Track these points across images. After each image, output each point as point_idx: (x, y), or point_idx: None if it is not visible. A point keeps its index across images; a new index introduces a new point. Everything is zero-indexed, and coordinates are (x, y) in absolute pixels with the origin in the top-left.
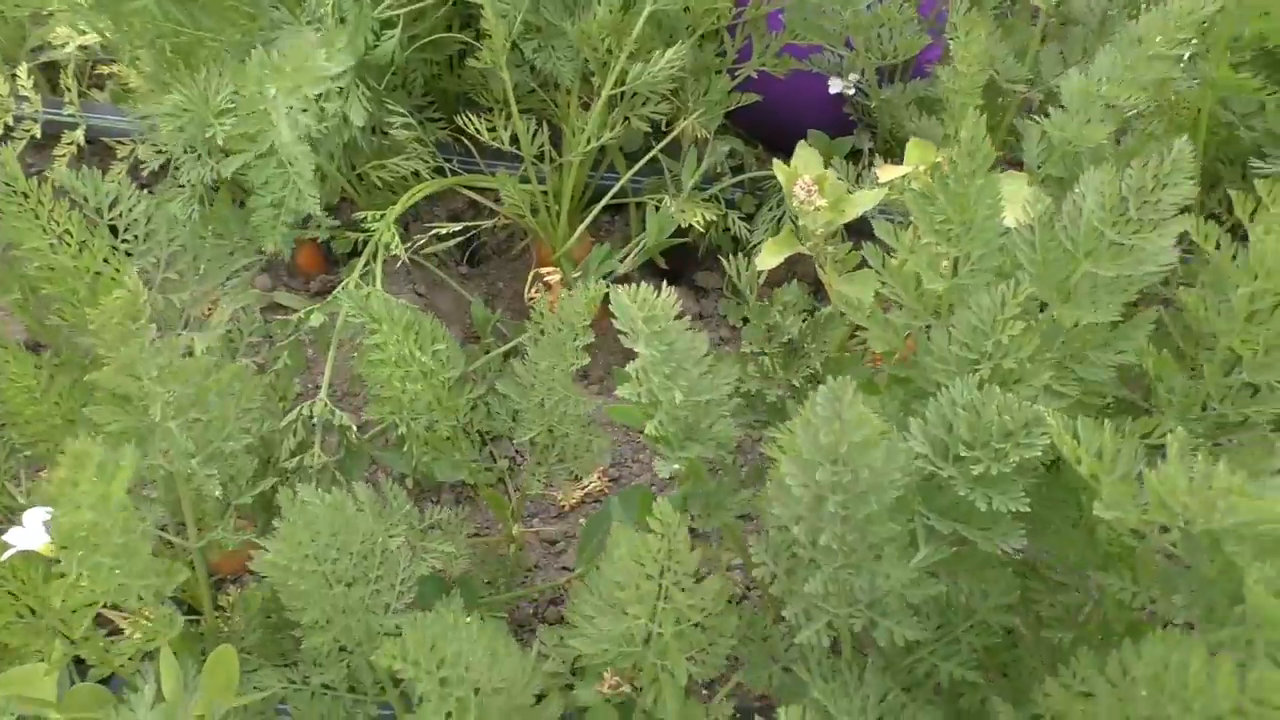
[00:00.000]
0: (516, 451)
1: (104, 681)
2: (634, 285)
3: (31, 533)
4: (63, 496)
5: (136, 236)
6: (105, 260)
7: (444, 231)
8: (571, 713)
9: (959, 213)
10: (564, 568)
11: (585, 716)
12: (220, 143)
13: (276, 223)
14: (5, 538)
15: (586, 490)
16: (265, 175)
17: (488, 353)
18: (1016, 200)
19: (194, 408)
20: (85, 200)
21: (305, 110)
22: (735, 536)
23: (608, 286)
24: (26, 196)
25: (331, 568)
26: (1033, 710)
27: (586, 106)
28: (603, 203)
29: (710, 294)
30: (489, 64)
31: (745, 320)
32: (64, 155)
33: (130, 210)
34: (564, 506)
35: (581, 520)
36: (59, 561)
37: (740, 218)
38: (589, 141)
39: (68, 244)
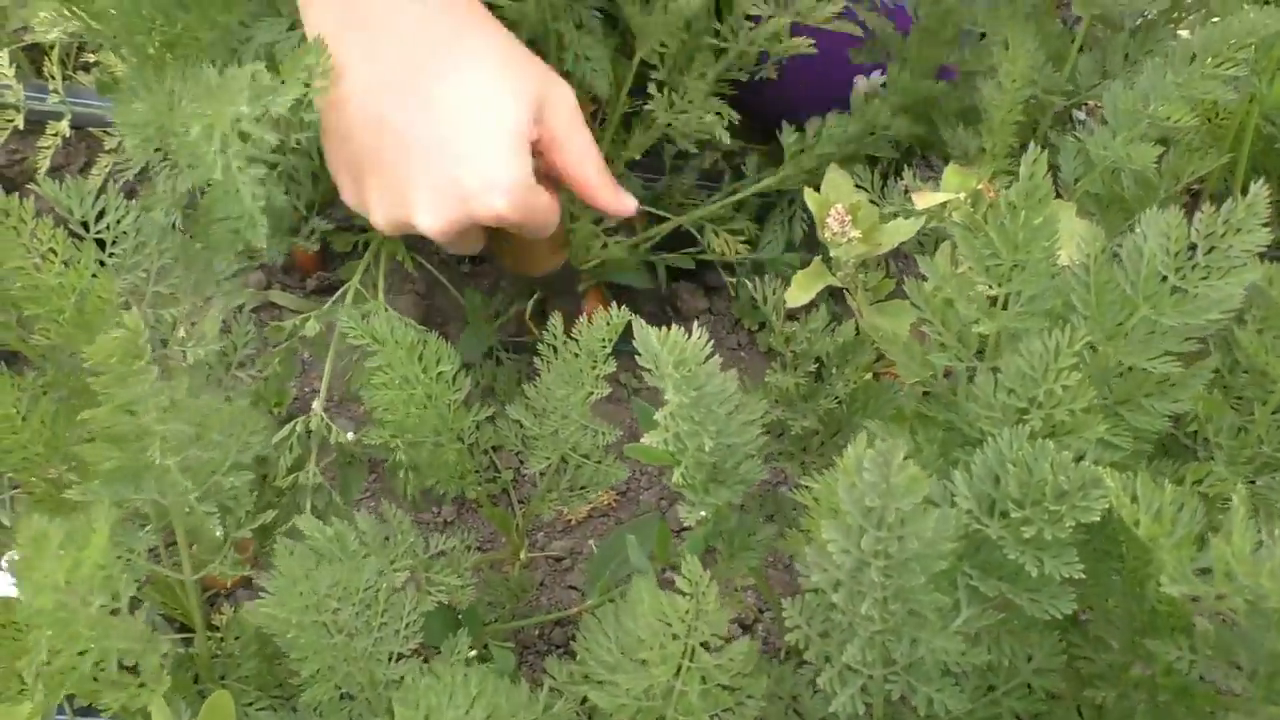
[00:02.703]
0: (521, 462)
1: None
2: (663, 328)
3: (10, 579)
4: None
5: (125, 250)
6: (93, 276)
7: None
8: None
9: (1011, 251)
10: (571, 586)
11: None
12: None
13: (237, 239)
14: None
15: (593, 504)
16: (215, 198)
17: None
18: (1068, 235)
19: (194, 445)
20: (70, 213)
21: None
22: (758, 572)
23: (630, 316)
24: (7, 214)
25: (332, 618)
26: None
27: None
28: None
29: (720, 291)
30: None
31: (760, 327)
32: (49, 146)
33: (118, 222)
34: (570, 521)
35: (589, 539)
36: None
37: (749, 219)
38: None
39: (51, 263)
